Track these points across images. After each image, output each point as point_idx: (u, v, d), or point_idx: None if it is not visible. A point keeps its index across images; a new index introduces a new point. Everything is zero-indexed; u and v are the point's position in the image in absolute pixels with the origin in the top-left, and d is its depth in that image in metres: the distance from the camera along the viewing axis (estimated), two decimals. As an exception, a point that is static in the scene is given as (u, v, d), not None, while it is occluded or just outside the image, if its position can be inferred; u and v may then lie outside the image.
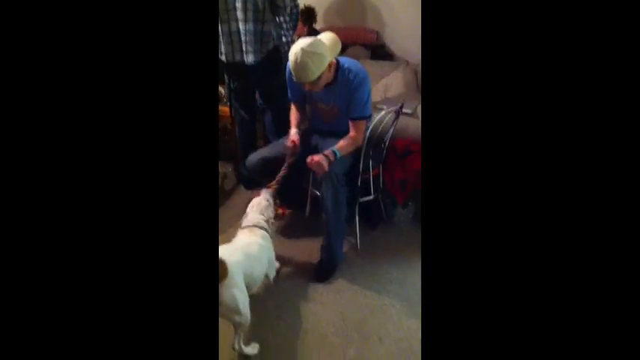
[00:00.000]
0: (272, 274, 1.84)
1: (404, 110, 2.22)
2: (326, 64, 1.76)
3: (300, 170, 2.09)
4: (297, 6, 2.44)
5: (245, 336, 1.59)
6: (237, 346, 1.57)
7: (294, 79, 1.82)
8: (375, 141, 2.09)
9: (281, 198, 2.32)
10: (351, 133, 1.94)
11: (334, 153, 1.86)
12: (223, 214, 2.46)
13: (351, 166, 2.02)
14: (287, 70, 2.00)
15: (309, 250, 2.18)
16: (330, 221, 1.93)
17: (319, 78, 1.78)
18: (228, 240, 1.75)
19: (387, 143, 2.20)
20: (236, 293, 1.47)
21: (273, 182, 1.95)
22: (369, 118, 1.99)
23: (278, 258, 1.99)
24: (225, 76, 2.57)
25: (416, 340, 1.70)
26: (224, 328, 1.60)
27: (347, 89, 1.90)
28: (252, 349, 1.62)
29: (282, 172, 1.96)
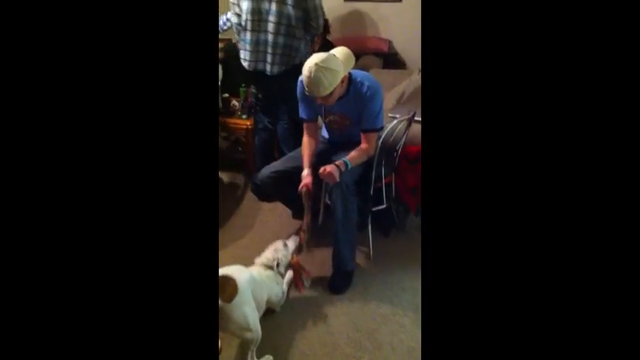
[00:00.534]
0: (279, 303, 1.84)
1: (416, 118, 2.22)
2: (339, 80, 1.78)
3: (313, 179, 2.10)
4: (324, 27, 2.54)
5: (256, 351, 1.59)
6: None
7: (307, 92, 1.83)
8: (387, 149, 2.09)
9: (298, 215, 2.37)
10: (363, 144, 1.96)
11: (345, 163, 1.87)
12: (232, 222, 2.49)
13: (361, 176, 2.02)
14: (299, 87, 2.01)
15: (321, 259, 2.18)
16: (340, 230, 1.94)
17: (332, 93, 1.80)
18: (239, 249, 1.77)
19: (399, 151, 2.20)
20: (246, 310, 1.48)
21: (303, 234, 1.99)
22: (380, 129, 2.00)
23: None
24: (252, 86, 2.63)
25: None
26: (234, 342, 1.62)
27: (359, 102, 1.91)
28: None
29: (306, 221, 2.02)
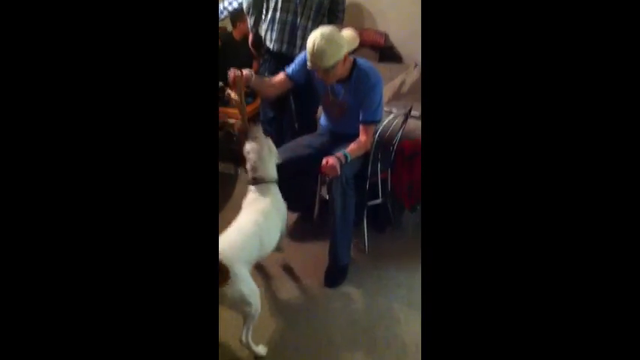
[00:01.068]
0: (283, 230, 1.87)
1: (412, 113, 2.22)
2: (342, 54, 1.79)
3: (308, 173, 2.09)
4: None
5: (253, 330, 1.58)
6: (244, 339, 1.55)
7: (309, 64, 1.83)
8: (383, 144, 2.08)
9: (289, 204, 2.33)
10: (361, 137, 1.95)
11: (345, 156, 1.86)
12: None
13: (359, 170, 2.01)
14: (302, 56, 2.01)
15: (317, 253, 2.17)
16: (337, 224, 1.94)
17: (333, 68, 1.80)
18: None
19: (395, 146, 2.20)
20: (242, 288, 1.48)
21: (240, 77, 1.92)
22: (379, 122, 1.99)
23: (286, 261, 1.99)
24: (269, 65, 2.52)
25: (424, 345, 1.69)
26: (233, 321, 1.61)
27: (360, 88, 1.92)
28: (261, 350, 1.62)
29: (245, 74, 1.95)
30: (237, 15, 3.01)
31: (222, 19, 2.80)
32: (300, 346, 1.70)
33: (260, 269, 2.04)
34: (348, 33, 1.88)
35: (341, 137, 2.06)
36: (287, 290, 1.99)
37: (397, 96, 2.85)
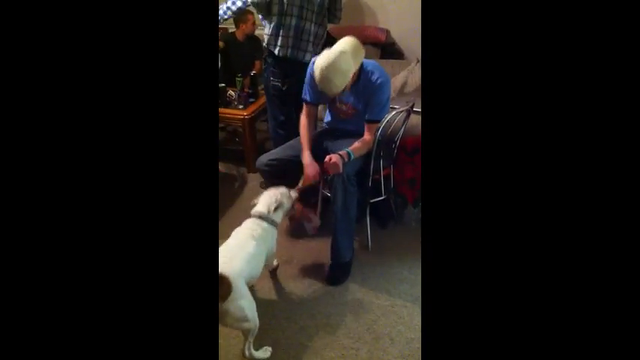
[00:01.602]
0: (270, 262, 1.87)
1: (415, 109, 2.21)
2: (349, 78, 1.80)
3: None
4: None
5: (255, 341, 1.59)
6: (247, 353, 1.57)
7: (320, 88, 1.85)
8: (385, 141, 2.08)
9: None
10: (366, 135, 1.96)
11: (348, 154, 1.86)
12: (233, 212, 2.48)
13: (361, 167, 2.02)
14: (309, 70, 2.02)
15: (319, 250, 2.18)
16: (339, 221, 1.94)
17: (344, 89, 1.83)
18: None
19: (397, 143, 2.19)
20: (243, 304, 1.47)
21: (301, 187, 1.98)
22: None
23: (288, 259, 2.00)
24: (274, 70, 2.50)
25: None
26: (233, 334, 1.62)
27: (368, 90, 1.92)
28: (263, 353, 1.62)
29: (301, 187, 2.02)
30: (240, 15, 3.02)
31: (227, 20, 2.80)
32: (305, 344, 1.71)
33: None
34: (353, 46, 1.82)
35: (345, 134, 2.06)
36: (290, 288, 2.00)
37: (399, 92, 2.84)
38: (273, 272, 2.04)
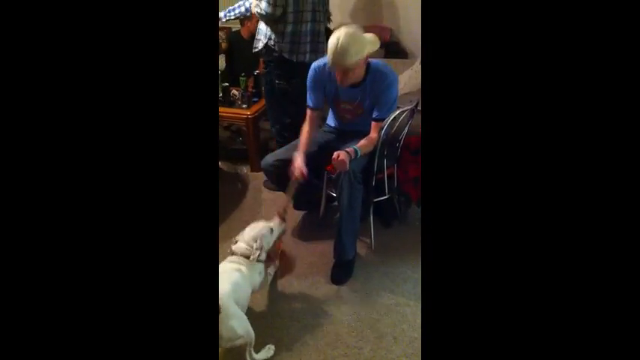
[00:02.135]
0: (257, 289, 1.76)
1: (418, 108, 2.21)
2: (364, 54, 1.79)
3: (314, 168, 2.09)
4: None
5: (257, 340, 1.57)
6: (249, 359, 1.56)
7: (330, 62, 1.81)
8: (389, 140, 2.08)
9: (294, 205, 2.33)
10: (372, 134, 1.95)
11: (355, 151, 1.86)
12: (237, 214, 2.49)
13: (366, 165, 2.02)
14: (310, 73, 2.03)
15: (322, 249, 2.18)
16: (344, 219, 1.94)
17: (353, 68, 1.80)
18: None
19: (401, 142, 2.19)
20: (233, 324, 1.44)
21: (282, 211, 1.85)
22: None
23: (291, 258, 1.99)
24: (279, 72, 2.48)
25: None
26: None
27: (376, 89, 1.92)
28: (266, 353, 1.62)
29: (285, 205, 1.93)
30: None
31: (233, 19, 2.81)
32: (308, 342, 1.71)
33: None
34: (369, 35, 1.86)
35: (350, 134, 2.07)
36: (294, 287, 2.00)
37: (403, 91, 2.84)
38: (274, 273, 2.03)
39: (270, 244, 1.74)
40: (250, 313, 1.62)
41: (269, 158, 2.13)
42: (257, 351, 1.60)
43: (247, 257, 1.64)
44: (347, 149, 1.84)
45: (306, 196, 2.37)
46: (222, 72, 3.00)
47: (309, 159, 2.08)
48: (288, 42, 2.34)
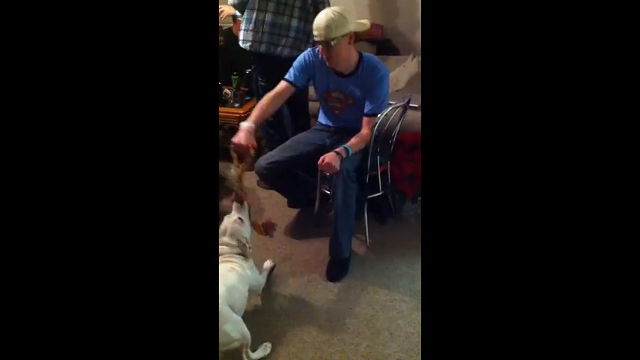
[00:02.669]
0: (259, 290, 1.78)
1: (411, 104, 2.22)
2: (349, 28, 1.82)
3: (308, 168, 2.10)
4: None
5: (254, 339, 1.57)
6: (246, 358, 1.56)
7: (316, 35, 1.84)
8: (383, 137, 2.08)
9: (288, 201, 2.32)
10: (364, 130, 1.95)
11: (347, 150, 1.86)
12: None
13: (360, 163, 2.02)
14: (298, 59, 2.04)
15: (317, 247, 2.19)
16: (339, 217, 1.95)
17: (338, 43, 1.82)
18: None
19: (394, 138, 2.19)
20: (227, 328, 1.43)
21: (239, 191, 1.76)
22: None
23: (287, 256, 1.99)
24: (260, 70, 2.48)
25: (427, 334, 1.70)
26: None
27: (367, 81, 1.94)
28: (263, 351, 1.62)
29: (238, 184, 1.81)
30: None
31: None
32: (305, 339, 1.71)
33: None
34: (360, 19, 1.92)
35: (341, 131, 2.07)
36: (289, 285, 2.00)
37: (396, 88, 2.84)
38: (270, 271, 2.03)
39: (249, 231, 1.69)
40: (246, 311, 1.62)
41: (262, 161, 2.13)
42: (253, 349, 1.60)
43: (238, 254, 1.63)
44: (337, 149, 1.85)
45: (300, 194, 2.37)
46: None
47: (302, 158, 2.08)
48: (244, 30, 2.35)
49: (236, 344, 1.50)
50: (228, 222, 1.67)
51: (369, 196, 2.18)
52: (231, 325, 1.46)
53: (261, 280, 1.81)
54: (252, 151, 1.82)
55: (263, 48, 2.34)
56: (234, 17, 3.13)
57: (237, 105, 2.89)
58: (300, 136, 2.25)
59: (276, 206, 2.55)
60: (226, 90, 2.96)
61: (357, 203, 2.03)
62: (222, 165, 3.08)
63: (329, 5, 2.40)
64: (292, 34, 2.33)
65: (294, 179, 2.28)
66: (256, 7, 2.29)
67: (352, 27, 1.84)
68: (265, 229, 1.80)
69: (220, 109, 2.87)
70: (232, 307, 1.49)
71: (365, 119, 1.96)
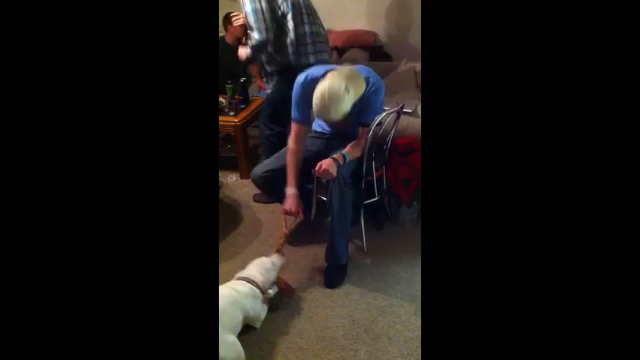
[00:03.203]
0: (257, 321, 1.78)
1: (404, 110, 2.23)
2: (348, 108, 1.75)
3: (305, 176, 2.10)
4: None
5: (253, 344, 1.58)
6: None
7: (316, 114, 1.81)
8: (377, 143, 2.10)
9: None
10: (361, 140, 1.96)
11: (344, 156, 1.87)
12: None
13: (356, 169, 2.03)
14: (295, 90, 1.98)
15: (315, 254, 2.19)
16: (335, 223, 1.95)
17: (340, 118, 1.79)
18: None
19: (389, 144, 2.21)
20: (221, 352, 1.44)
21: (280, 246, 1.98)
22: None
23: (285, 264, 1.99)
24: (276, 83, 2.50)
25: (426, 338, 1.70)
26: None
27: (363, 99, 1.88)
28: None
29: (283, 239, 2.04)
30: (227, 18, 3.00)
31: None
32: (303, 346, 1.71)
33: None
34: (353, 77, 1.79)
35: (336, 138, 2.07)
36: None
37: (389, 94, 2.85)
38: (276, 293, 2.01)
39: (274, 277, 1.85)
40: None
41: (258, 169, 2.13)
42: None
43: (252, 282, 1.75)
44: (334, 156, 1.85)
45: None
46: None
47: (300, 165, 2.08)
48: (288, 45, 2.37)
49: None
50: (262, 261, 1.87)
51: (365, 202, 2.19)
52: (225, 348, 1.47)
53: (261, 311, 1.78)
54: (301, 215, 2.07)
55: (312, 59, 2.39)
56: (226, 25, 3.11)
57: (232, 113, 2.90)
58: None
59: (273, 214, 2.56)
60: (221, 99, 2.98)
61: (354, 208, 2.03)
62: (220, 173, 3.09)
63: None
64: (324, 39, 2.46)
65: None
66: (294, 21, 2.32)
67: (353, 100, 1.76)
68: (284, 286, 1.92)
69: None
70: (226, 326, 1.52)
71: (361, 129, 1.97)
